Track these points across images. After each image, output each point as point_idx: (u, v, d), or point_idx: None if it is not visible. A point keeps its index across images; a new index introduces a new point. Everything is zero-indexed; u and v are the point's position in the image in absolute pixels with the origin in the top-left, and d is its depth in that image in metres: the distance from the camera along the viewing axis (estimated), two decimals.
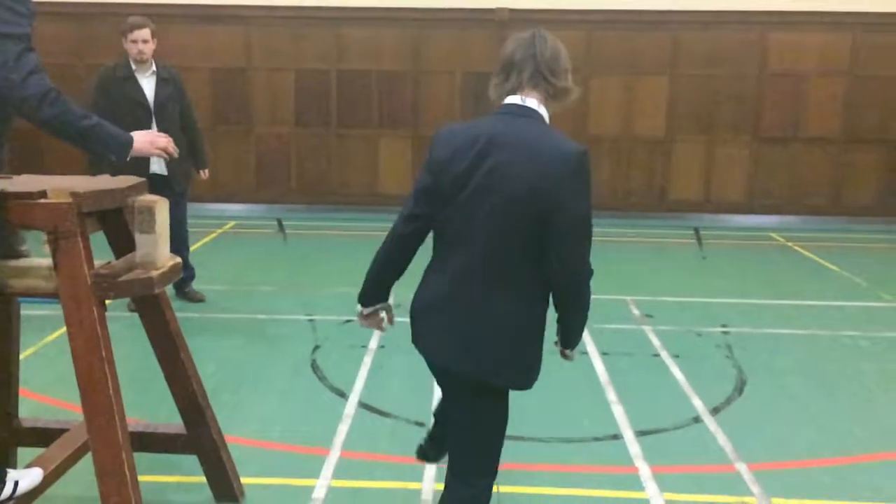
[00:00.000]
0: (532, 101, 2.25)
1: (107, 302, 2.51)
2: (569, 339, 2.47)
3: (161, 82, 5.51)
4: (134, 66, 5.43)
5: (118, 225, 2.74)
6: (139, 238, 2.60)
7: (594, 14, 9.80)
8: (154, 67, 5.49)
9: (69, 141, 2.38)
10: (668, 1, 9.79)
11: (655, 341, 5.33)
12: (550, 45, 2.28)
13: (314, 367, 4.78)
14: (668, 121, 10.19)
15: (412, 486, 3.40)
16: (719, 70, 10.03)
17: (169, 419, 3.34)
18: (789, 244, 8.87)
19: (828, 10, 9.74)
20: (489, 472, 2.44)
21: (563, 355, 2.56)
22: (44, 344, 4.95)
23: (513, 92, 2.26)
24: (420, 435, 3.83)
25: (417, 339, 2.42)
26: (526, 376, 2.37)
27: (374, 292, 2.47)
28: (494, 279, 2.23)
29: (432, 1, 9.81)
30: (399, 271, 2.42)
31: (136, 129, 5.45)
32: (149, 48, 5.39)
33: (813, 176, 10.24)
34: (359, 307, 2.51)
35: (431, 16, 9.91)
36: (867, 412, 4.30)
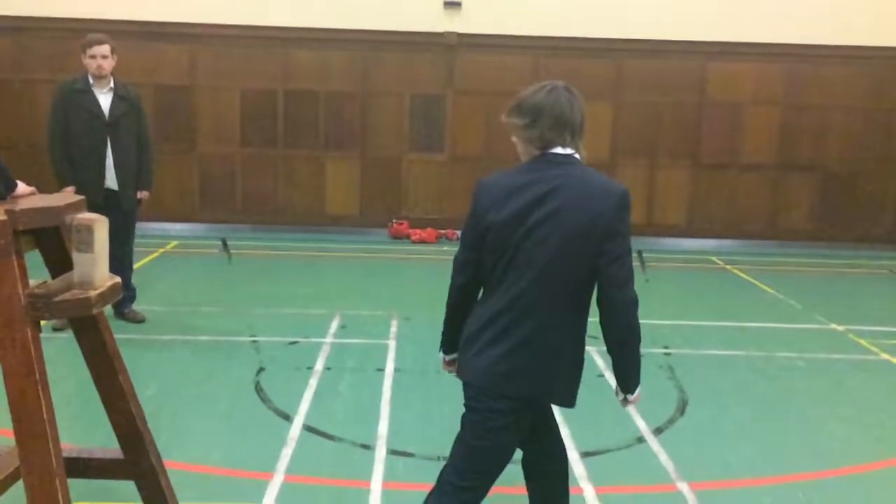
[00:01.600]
0: (570, 150, 2.52)
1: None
2: (629, 376, 2.57)
3: (116, 99, 5.59)
4: (92, 81, 5.50)
5: (55, 244, 2.65)
6: (77, 257, 2.51)
7: (541, 40, 9.97)
8: (112, 84, 5.56)
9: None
10: (613, 29, 10.03)
11: (600, 362, 5.40)
12: (581, 106, 2.58)
13: (258, 389, 4.70)
14: (612, 145, 10.39)
15: None
16: (661, 97, 10.30)
17: (104, 444, 3.24)
18: (728, 267, 9.10)
19: (763, 41, 10.11)
20: None
21: (627, 402, 2.64)
22: None
23: (554, 144, 2.50)
24: (366, 458, 3.80)
25: (470, 366, 2.55)
26: (575, 394, 2.61)
27: (453, 340, 2.71)
28: (550, 308, 2.46)
29: (381, 23, 9.86)
30: (466, 317, 2.63)
31: (93, 141, 5.46)
32: (108, 64, 5.48)
33: (750, 201, 10.55)
34: (441, 355, 2.80)
35: (380, 38, 9.95)
36: (803, 432, 4.42)
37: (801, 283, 8.42)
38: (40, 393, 2.29)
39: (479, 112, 10.13)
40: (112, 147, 5.52)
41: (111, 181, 5.56)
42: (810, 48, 10.18)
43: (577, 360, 2.58)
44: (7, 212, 2.27)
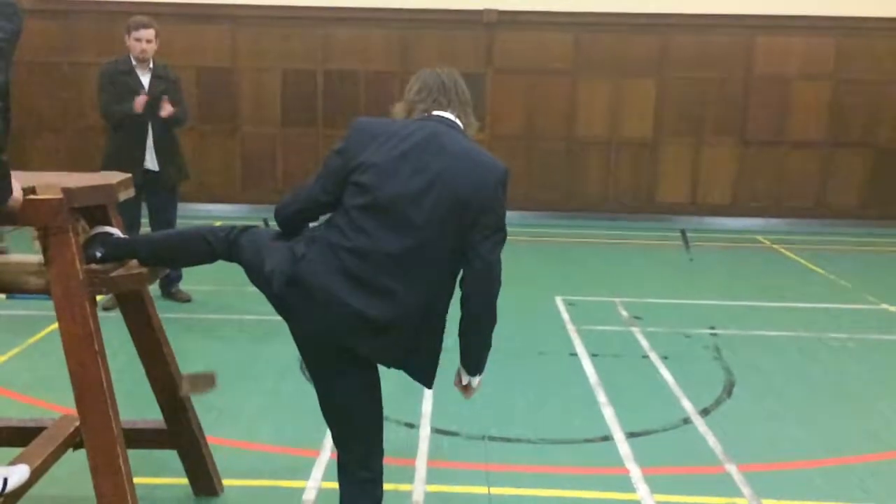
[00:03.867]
0: (454, 116, 2.46)
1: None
2: (480, 358, 2.44)
3: (156, 79, 5.69)
4: (134, 63, 5.63)
5: (104, 221, 2.70)
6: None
7: (583, 16, 9.81)
8: (151, 65, 5.68)
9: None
10: (657, 4, 9.83)
11: (644, 343, 5.34)
12: (463, 82, 2.58)
13: (302, 368, 4.74)
14: (656, 123, 10.22)
15: (403, 487, 3.37)
16: (707, 73, 10.08)
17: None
18: (775, 246, 8.92)
19: (811, 14, 9.82)
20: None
21: (465, 389, 2.50)
22: (27, 345, 4.88)
23: (441, 109, 2.44)
24: (411, 436, 3.82)
25: (296, 311, 2.34)
26: (433, 365, 2.44)
27: None
28: (417, 266, 2.28)
29: (420, 2, 9.79)
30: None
31: (135, 121, 5.54)
32: (151, 48, 5.60)
33: (798, 178, 10.30)
34: None
35: (419, 16, 9.89)
36: (855, 413, 4.32)
37: (851, 262, 8.21)
38: (100, 363, 2.35)
39: (519, 90, 10.03)
40: (152, 127, 5.60)
41: (151, 162, 5.64)
42: (861, 21, 9.86)
43: (438, 328, 2.39)
44: (64, 190, 2.32)
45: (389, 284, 2.25)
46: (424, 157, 2.28)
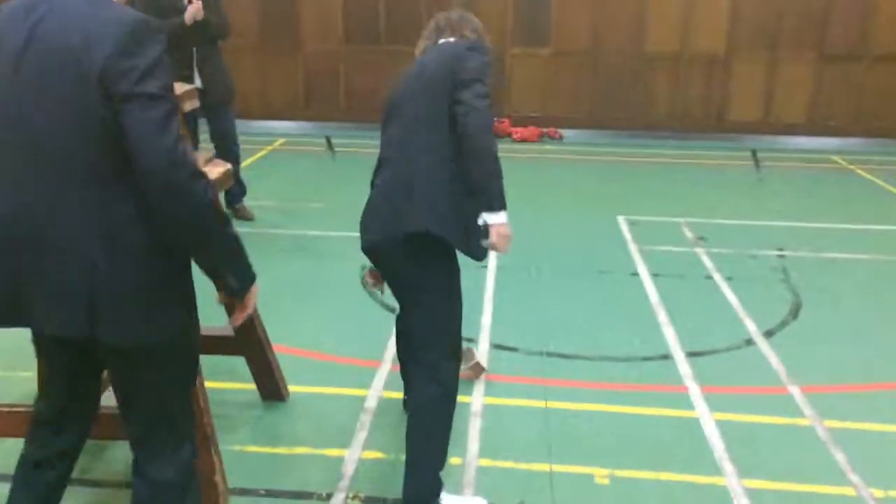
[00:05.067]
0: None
1: None
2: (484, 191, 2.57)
3: None
4: None
5: None
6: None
7: None
8: None
9: (194, 236, 1.87)
10: None
11: (708, 263, 5.24)
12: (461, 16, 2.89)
13: (364, 283, 4.82)
14: (729, 37, 9.75)
15: (461, 399, 3.43)
16: None
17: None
18: (852, 167, 8.55)
19: None
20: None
21: (493, 236, 2.59)
22: None
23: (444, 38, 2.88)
24: (468, 348, 3.87)
25: None
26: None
27: None
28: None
29: None
30: None
31: (177, 40, 5.35)
32: None
33: (881, 96, 9.75)
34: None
35: None
36: None
37: None
38: None
39: (585, 4, 9.65)
40: (195, 44, 5.49)
41: (196, 80, 5.55)
42: None
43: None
44: None
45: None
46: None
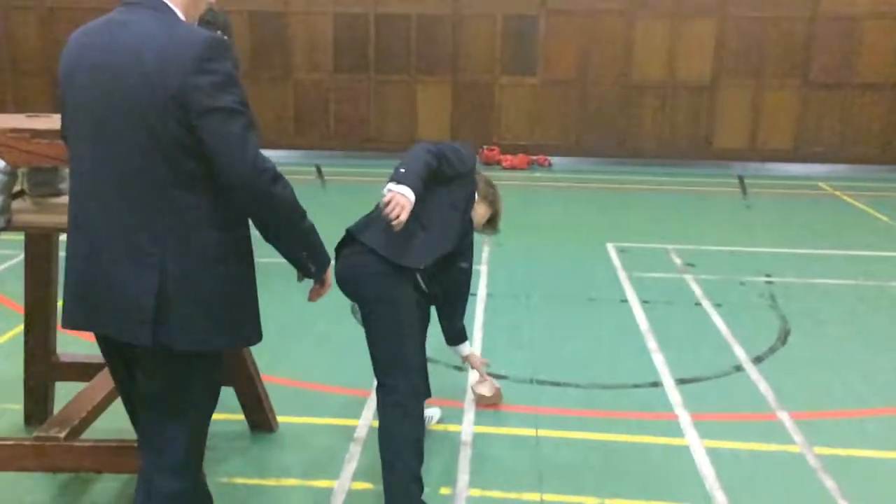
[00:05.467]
0: None
1: None
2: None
3: (203, 25, 5.51)
4: None
5: None
6: None
7: None
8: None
9: (279, 231, 2.03)
10: None
11: (697, 290, 5.26)
12: None
13: (353, 310, 4.81)
14: (715, 65, 9.89)
15: (452, 428, 3.43)
16: (769, 12, 9.67)
17: None
18: (837, 193, 8.64)
19: None
20: None
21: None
22: None
23: None
24: (460, 379, 3.86)
25: None
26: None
27: None
28: None
29: None
30: None
31: None
32: None
33: (864, 123, 9.90)
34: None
35: None
36: None
37: None
38: None
39: (573, 33, 9.79)
40: None
41: None
42: None
43: None
44: None
45: None
46: None
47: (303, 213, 2.05)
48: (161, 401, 2.01)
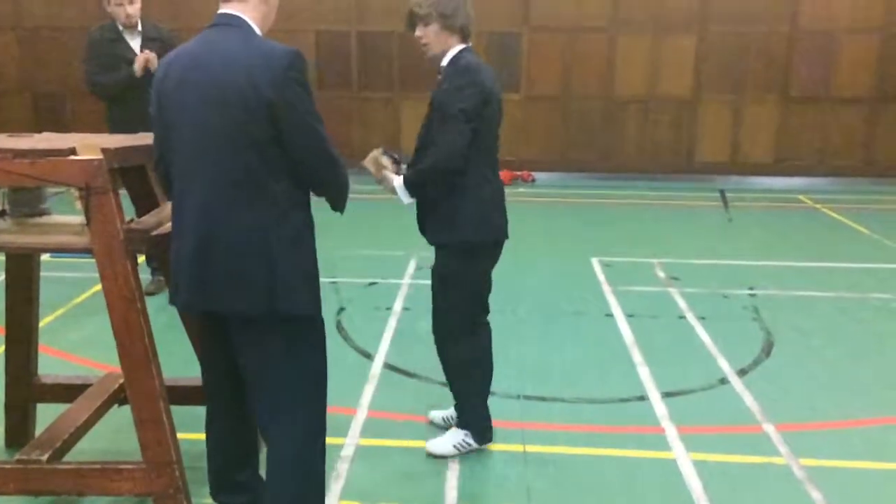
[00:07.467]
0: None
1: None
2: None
3: (147, 41, 5.21)
4: (121, 28, 5.17)
5: (142, 181, 2.74)
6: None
7: None
8: (140, 27, 5.22)
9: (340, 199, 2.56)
10: None
11: (681, 303, 5.29)
12: None
13: (339, 328, 4.80)
14: (696, 80, 10.00)
15: None
16: (749, 28, 9.81)
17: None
18: (817, 206, 8.73)
19: None
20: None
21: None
22: (72, 305, 5.01)
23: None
24: (446, 394, 3.85)
25: None
26: None
27: None
28: None
29: None
30: None
31: (132, 90, 5.14)
32: (135, 10, 5.13)
33: (843, 136, 10.04)
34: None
35: None
36: None
37: None
38: (141, 320, 2.40)
39: (555, 50, 9.87)
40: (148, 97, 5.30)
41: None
42: None
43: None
44: (103, 150, 2.35)
45: None
46: None
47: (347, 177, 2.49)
48: (277, 367, 2.38)
